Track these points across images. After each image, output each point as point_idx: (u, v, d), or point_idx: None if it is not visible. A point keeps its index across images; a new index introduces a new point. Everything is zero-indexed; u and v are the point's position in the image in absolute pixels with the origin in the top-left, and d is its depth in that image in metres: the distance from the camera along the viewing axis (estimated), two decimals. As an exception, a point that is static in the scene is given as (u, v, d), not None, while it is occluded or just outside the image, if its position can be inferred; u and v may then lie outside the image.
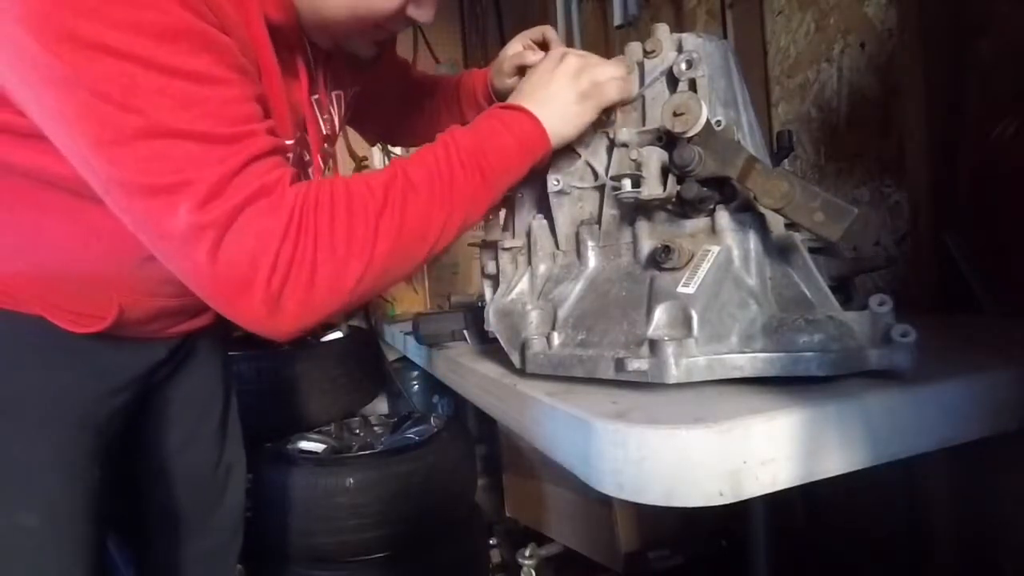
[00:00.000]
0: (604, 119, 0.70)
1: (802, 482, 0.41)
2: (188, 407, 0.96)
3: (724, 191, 0.58)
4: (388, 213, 0.59)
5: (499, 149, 0.66)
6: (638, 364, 0.49)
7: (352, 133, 1.44)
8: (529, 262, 0.71)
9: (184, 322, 0.85)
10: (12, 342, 0.69)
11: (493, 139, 0.66)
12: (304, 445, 1.66)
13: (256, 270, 0.54)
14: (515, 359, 0.63)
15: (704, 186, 0.56)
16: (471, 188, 0.64)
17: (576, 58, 0.70)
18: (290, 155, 0.72)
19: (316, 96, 0.78)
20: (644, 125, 0.67)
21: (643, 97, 0.67)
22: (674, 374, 0.47)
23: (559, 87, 0.69)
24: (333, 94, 0.82)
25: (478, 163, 0.64)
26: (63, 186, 0.64)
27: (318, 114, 0.79)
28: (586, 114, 0.68)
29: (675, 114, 0.55)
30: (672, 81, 0.65)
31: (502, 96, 0.92)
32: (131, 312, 0.74)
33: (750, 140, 0.66)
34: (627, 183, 0.59)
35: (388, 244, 0.59)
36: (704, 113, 0.54)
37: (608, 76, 0.69)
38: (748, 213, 0.56)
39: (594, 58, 0.72)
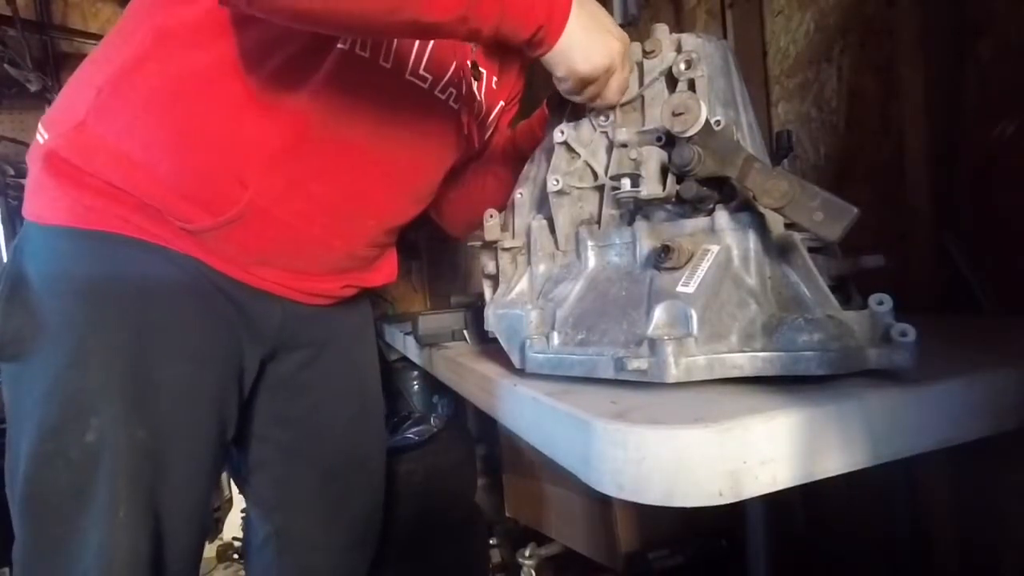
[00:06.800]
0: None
1: (802, 482, 0.41)
2: (316, 390, 1.04)
3: (723, 191, 0.57)
4: None
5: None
6: (638, 363, 0.49)
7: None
8: (529, 262, 0.71)
9: (306, 277, 0.93)
10: (171, 280, 0.81)
11: None
12: (304, 445, 1.65)
13: None
14: (515, 359, 0.63)
15: (703, 186, 0.56)
16: None
17: (624, 61, 0.67)
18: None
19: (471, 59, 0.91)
20: (643, 125, 0.67)
21: (642, 97, 0.68)
22: (674, 373, 0.47)
23: (603, 39, 0.65)
24: (484, 72, 0.95)
25: None
26: (218, 60, 0.76)
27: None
28: (594, 65, 0.65)
29: (674, 114, 0.55)
30: (671, 81, 0.65)
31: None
32: (260, 201, 0.82)
33: (750, 140, 0.66)
34: (626, 183, 0.59)
35: None
36: (703, 113, 0.54)
37: (616, 85, 0.68)
38: (747, 213, 0.55)
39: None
